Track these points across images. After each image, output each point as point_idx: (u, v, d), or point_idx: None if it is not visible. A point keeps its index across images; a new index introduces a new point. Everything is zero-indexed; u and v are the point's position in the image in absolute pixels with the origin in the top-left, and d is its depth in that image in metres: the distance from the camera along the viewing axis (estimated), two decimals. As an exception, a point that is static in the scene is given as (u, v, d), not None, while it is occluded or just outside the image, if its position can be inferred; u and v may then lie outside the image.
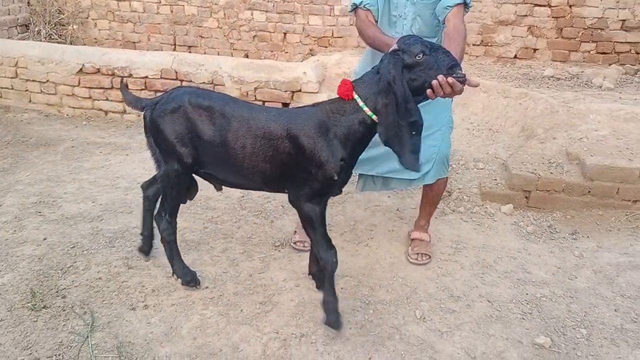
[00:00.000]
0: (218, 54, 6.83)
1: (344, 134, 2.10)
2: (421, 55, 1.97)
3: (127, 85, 2.61)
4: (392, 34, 2.57)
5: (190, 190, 2.52)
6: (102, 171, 4.04)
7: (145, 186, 2.73)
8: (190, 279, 2.55)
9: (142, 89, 5.33)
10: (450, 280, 2.71)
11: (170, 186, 2.39)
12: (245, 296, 2.52)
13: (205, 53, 6.83)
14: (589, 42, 5.93)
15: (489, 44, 6.21)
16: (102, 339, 2.22)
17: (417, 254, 2.85)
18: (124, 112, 5.45)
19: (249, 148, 2.17)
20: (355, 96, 2.08)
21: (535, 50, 6.10)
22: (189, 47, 7.03)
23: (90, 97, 5.45)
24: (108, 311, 2.40)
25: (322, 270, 2.28)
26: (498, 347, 2.24)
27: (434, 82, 1.96)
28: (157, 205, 2.63)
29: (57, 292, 2.51)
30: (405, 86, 1.98)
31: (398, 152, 2.02)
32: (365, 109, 2.06)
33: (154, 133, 2.33)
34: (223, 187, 2.50)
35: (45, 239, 2.97)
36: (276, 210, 3.38)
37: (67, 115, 5.50)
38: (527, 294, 2.62)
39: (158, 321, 2.34)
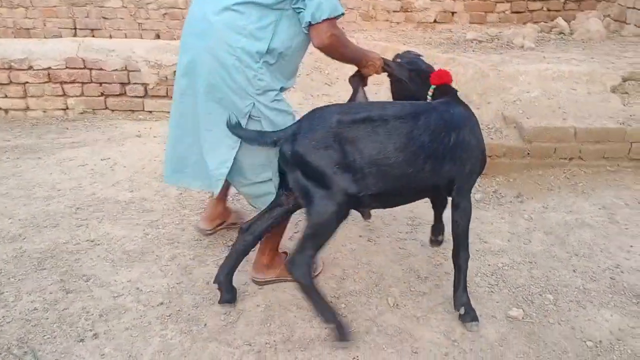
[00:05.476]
0: (126, 37, 6.31)
1: None
2: None
3: (239, 123, 2.12)
4: None
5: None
6: (13, 180, 3.59)
7: (248, 227, 2.25)
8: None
9: (46, 82, 4.81)
10: (414, 261, 2.66)
11: (329, 223, 2.02)
12: (207, 307, 2.33)
13: (111, 36, 6.28)
14: (503, 2, 6.08)
15: (409, 10, 6.20)
16: (51, 381, 1.96)
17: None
18: (27, 108, 4.90)
19: (427, 148, 2.00)
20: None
21: (453, 13, 6.16)
22: (92, 30, 6.44)
23: (-15, 96, 4.85)
24: (52, 347, 2.11)
25: (459, 270, 2.21)
26: (475, 325, 2.23)
27: None
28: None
29: (-14, 332, 2.19)
30: None
31: None
32: None
33: (303, 167, 1.98)
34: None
35: (-41, 270, 2.59)
36: (221, 206, 3.16)
37: (-41, 118, 4.87)
38: (489, 264, 2.64)
39: (113, 351, 2.09)
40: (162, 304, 2.36)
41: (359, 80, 2.40)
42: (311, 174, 1.98)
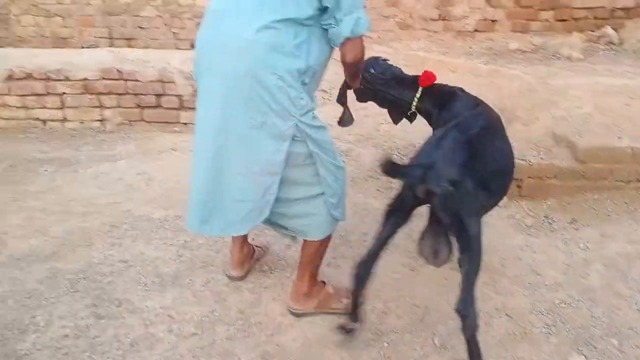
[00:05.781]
0: (161, 46, 6.30)
1: None
2: None
3: (394, 162, 1.87)
4: None
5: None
6: (51, 194, 3.56)
7: (364, 266, 2.10)
8: None
9: (83, 93, 4.81)
10: (461, 294, 2.49)
11: (482, 247, 1.88)
12: (241, 340, 2.22)
13: (147, 47, 6.27)
14: (547, 9, 5.80)
15: (447, 18, 5.98)
16: (81, 418, 1.88)
17: None
18: (65, 119, 4.91)
19: (506, 146, 2.20)
20: None
21: (494, 21, 5.92)
22: (128, 39, 6.44)
23: (24, 106, 4.86)
24: (82, 380, 2.04)
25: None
26: (531, 372, 2.05)
27: None
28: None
29: (16, 360, 2.12)
30: None
31: None
32: None
33: (458, 195, 1.82)
34: None
35: (-8, 290, 2.54)
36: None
37: (-1, 128, 4.90)
38: (544, 300, 2.45)
39: (145, 386, 2.01)
40: (194, 334, 2.26)
41: (342, 96, 2.47)
42: (463, 200, 1.84)
